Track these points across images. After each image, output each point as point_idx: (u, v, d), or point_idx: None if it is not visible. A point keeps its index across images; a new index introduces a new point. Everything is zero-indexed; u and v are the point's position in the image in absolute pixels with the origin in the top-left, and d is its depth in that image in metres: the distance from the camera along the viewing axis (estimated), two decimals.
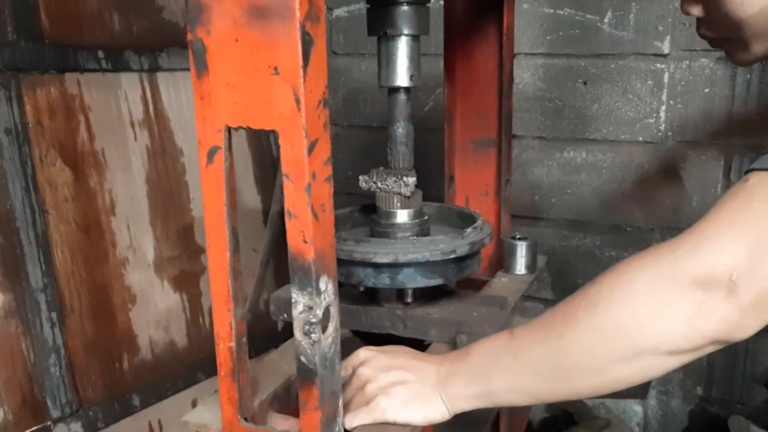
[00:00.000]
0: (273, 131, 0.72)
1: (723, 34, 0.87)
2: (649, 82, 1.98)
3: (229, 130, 0.75)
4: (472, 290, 1.21)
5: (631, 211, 2.06)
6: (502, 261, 1.35)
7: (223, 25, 0.71)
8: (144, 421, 1.76)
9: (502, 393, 0.83)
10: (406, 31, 1.01)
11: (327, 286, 0.77)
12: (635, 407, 2.21)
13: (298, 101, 0.70)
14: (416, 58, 1.05)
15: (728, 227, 0.70)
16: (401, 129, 1.07)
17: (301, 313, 0.76)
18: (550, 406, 2.18)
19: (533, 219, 2.18)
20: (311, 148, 0.72)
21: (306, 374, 0.77)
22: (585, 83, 2.06)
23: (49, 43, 1.54)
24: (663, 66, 1.95)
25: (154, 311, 1.78)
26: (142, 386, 1.75)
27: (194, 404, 1.90)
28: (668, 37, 1.93)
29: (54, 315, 1.55)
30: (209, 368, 1.87)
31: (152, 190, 1.78)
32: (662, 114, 1.99)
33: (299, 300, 0.76)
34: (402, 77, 1.04)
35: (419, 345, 1.07)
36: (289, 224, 0.74)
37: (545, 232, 2.17)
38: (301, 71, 0.69)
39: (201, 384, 1.89)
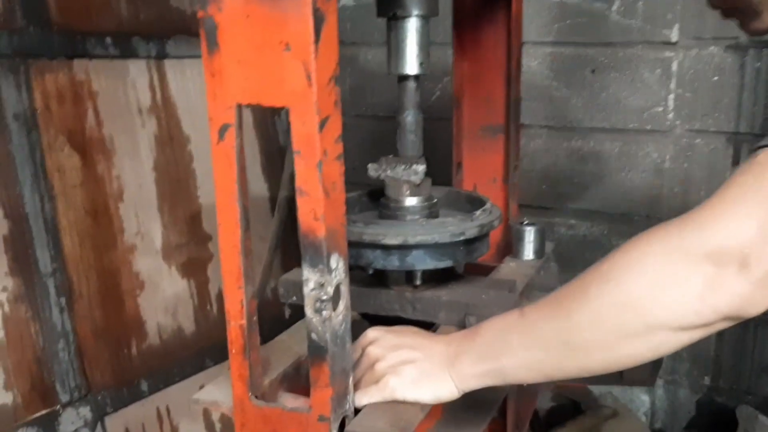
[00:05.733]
0: (284, 108, 0.72)
1: (733, 4, 0.86)
2: (658, 70, 1.97)
3: (240, 107, 0.75)
4: (480, 275, 1.21)
5: (638, 201, 2.06)
6: (510, 247, 1.35)
7: (234, 2, 0.71)
8: (152, 406, 1.77)
9: (512, 370, 0.83)
10: (416, 12, 1.01)
11: (338, 263, 0.77)
12: (642, 396, 2.21)
13: (309, 77, 0.70)
14: (426, 45, 1.04)
15: (738, 202, 0.70)
16: (410, 117, 1.07)
17: (312, 290, 0.76)
18: (557, 395, 2.17)
19: (540, 208, 2.18)
20: (322, 125, 0.72)
21: (317, 351, 0.78)
22: (593, 72, 2.05)
23: (58, 29, 1.54)
24: (672, 54, 1.95)
25: (162, 297, 1.79)
26: (150, 372, 1.75)
27: None
28: (677, 25, 1.92)
29: (63, 300, 1.55)
30: (217, 355, 1.88)
31: (160, 177, 1.78)
32: (670, 103, 1.98)
33: (310, 277, 0.76)
34: (412, 65, 1.04)
35: (427, 328, 1.07)
36: (300, 201, 0.74)
37: (552, 221, 2.17)
38: (312, 47, 0.69)
39: (209, 370, 1.90)
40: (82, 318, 1.60)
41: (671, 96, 1.98)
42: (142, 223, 1.73)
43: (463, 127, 1.45)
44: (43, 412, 1.53)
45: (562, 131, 2.12)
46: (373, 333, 0.93)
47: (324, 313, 0.76)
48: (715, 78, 1.92)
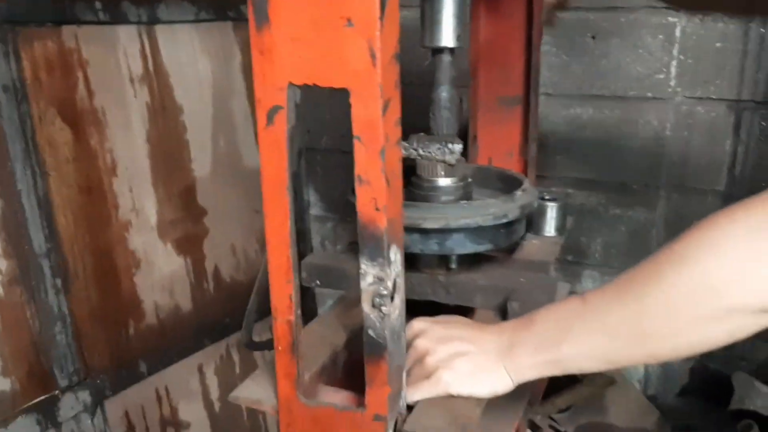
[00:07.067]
0: (343, 89, 0.66)
1: None
2: (660, 36, 1.93)
3: (292, 87, 0.69)
4: (504, 254, 1.17)
5: (637, 169, 2.04)
6: (530, 223, 1.31)
7: None
8: (151, 387, 1.72)
9: (573, 359, 0.79)
10: None
11: (396, 255, 0.72)
12: None
13: (373, 56, 0.64)
14: (462, 16, 0.98)
15: None
16: (445, 93, 1.01)
17: (370, 285, 0.71)
18: None
19: (537, 177, 2.14)
20: (385, 108, 0.66)
21: (375, 348, 0.73)
22: (593, 37, 2.00)
23: None
24: (675, 20, 1.90)
25: (159, 275, 1.72)
26: (148, 352, 1.70)
27: (200, 370, 1.86)
28: None
29: (58, 281, 1.48)
30: (214, 333, 1.83)
31: (153, 149, 1.70)
32: (673, 69, 1.94)
33: (369, 271, 0.71)
34: (448, 37, 0.97)
35: (461, 312, 1.04)
36: (360, 191, 0.68)
37: (549, 191, 2.13)
38: (378, 23, 0.63)
39: (207, 349, 1.85)
40: (79, 299, 1.53)
41: (674, 62, 1.94)
42: (137, 199, 1.66)
43: (479, 98, 1.39)
44: (42, 397, 1.47)
45: (561, 98, 2.08)
46: (419, 324, 0.88)
47: (383, 308, 0.71)
48: (718, 44, 1.89)
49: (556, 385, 2.12)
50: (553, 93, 2.08)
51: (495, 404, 0.97)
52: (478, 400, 0.82)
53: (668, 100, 1.96)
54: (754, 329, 0.71)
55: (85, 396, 1.54)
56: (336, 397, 0.84)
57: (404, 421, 0.78)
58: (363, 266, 0.71)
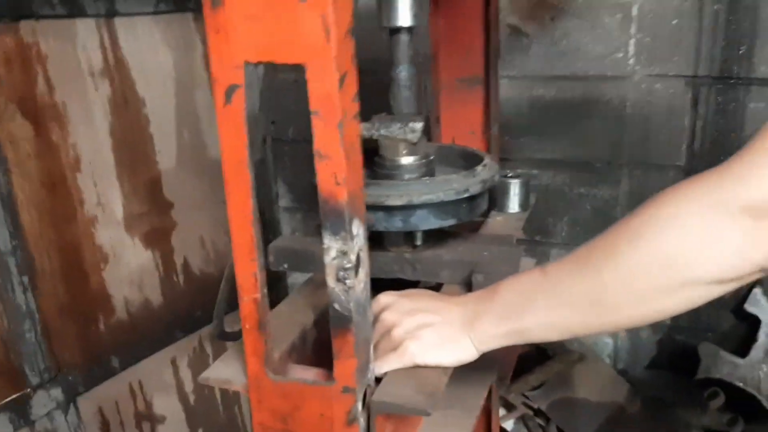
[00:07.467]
0: (299, 65, 0.67)
1: None
2: (618, 15, 1.96)
3: (248, 65, 0.69)
4: (470, 231, 1.19)
5: (599, 148, 2.07)
6: (494, 201, 1.33)
7: None
8: (124, 382, 1.71)
9: (535, 329, 0.81)
10: None
11: (359, 229, 0.73)
12: (605, 339, 2.26)
13: (327, 31, 0.65)
14: None
15: None
16: (404, 72, 1.02)
17: (334, 259, 0.72)
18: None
19: (502, 159, 2.16)
20: (342, 82, 0.67)
21: (340, 321, 0.74)
22: (552, 19, 2.02)
23: None
24: None
25: (127, 270, 1.72)
26: (120, 347, 1.69)
27: (173, 363, 1.85)
28: None
29: (25, 279, 1.47)
30: (186, 326, 1.83)
31: (117, 143, 1.69)
32: (631, 48, 1.98)
33: (332, 246, 0.72)
34: (405, 16, 0.98)
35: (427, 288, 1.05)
36: (320, 166, 0.69)
37: (513, 170, 2.16)
38: None
39: (179, 342, 1.84)
40: (47, 296, 1.52)
41: (632, 41, 1.97)
42: (102, 193, 1.65)
43: (440, 80, 1.40)
44: (13, 396, 1.46)
45: (523, 80, 2.10)
46: (385, 298, 0.90)
47: (348, 282, 0.72)
48: (675, 21, 1.92)
49: (528, 363, 2.15)
50: (515, 75, 2.10)
51: (464, 376, 0.99)
52: (444, 370, 0.84)
53: (627, 79, 1.99)
54: (707, 298, 0.73)
55: (57, 393, 1.54)
56: (305, 373, 0.85)
57: (373, 392, 0.80)
58: (326, 241, 0.72)
